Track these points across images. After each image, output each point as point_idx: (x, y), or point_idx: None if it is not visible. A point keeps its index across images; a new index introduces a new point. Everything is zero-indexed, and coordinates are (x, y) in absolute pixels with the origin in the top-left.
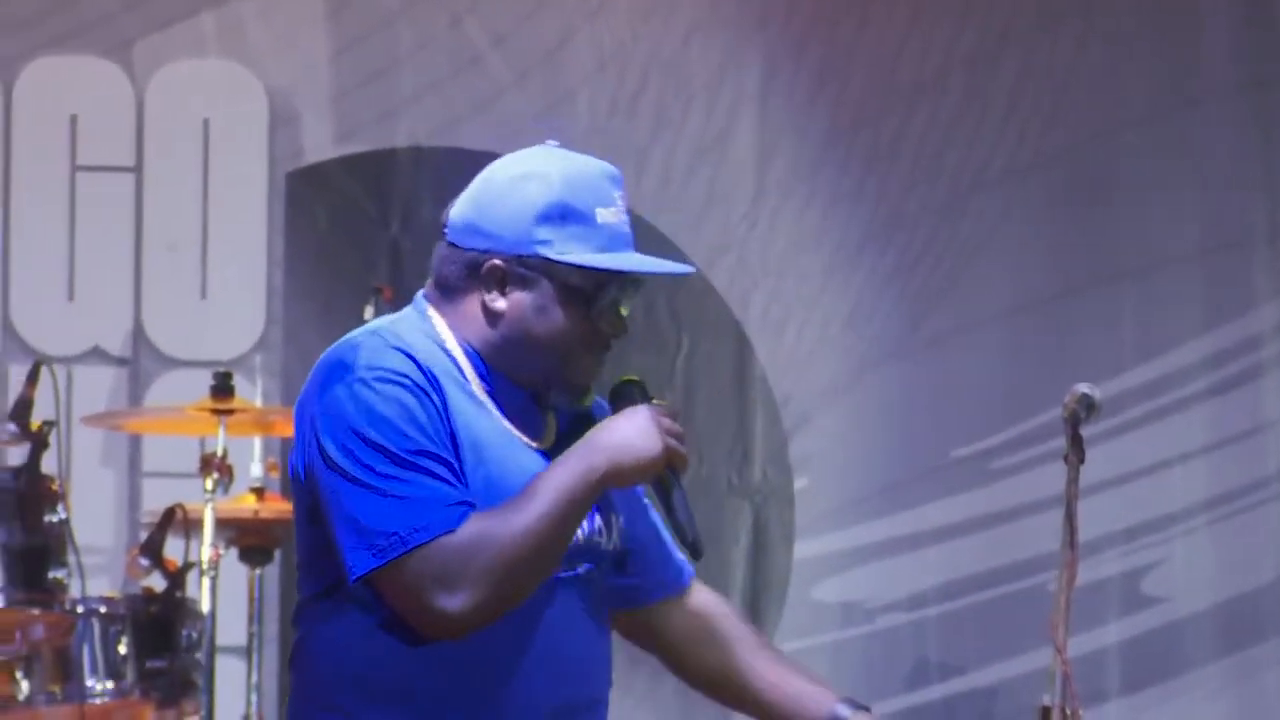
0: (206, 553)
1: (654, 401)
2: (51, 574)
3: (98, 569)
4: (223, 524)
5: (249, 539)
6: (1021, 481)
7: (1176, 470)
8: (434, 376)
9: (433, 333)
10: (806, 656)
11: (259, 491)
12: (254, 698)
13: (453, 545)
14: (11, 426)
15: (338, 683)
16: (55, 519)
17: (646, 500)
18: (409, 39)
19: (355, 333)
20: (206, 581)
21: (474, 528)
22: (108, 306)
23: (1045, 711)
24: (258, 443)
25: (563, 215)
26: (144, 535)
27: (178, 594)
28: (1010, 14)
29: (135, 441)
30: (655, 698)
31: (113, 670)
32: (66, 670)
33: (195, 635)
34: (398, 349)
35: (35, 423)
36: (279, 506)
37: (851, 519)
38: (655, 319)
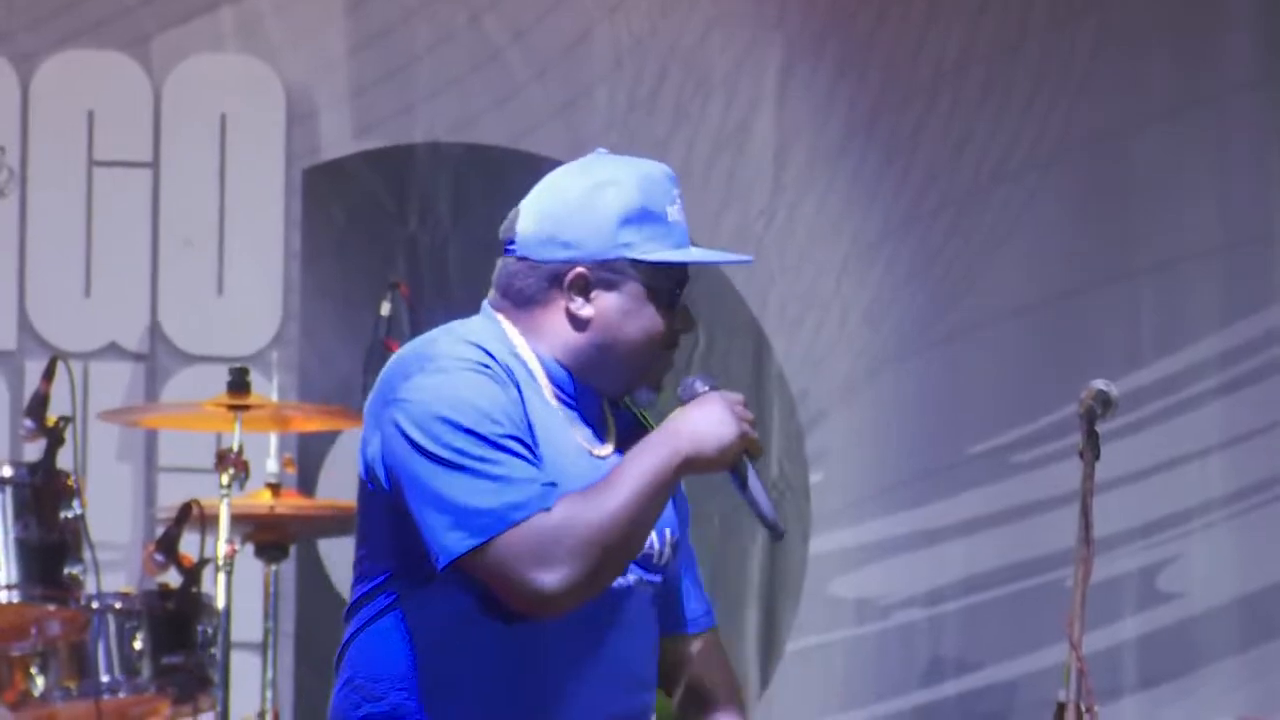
0: (222, 548)
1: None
2: (67, 569)
3: (113, 564)
4: (238, 520)
5: (265, 535)
6: (1038, 477)
7: (1194, 466)
8: (510, 371)
9: (505, 339)
10: (822, 652)
11: (275, 487)
12: (269, 694)
13: (548, 523)
14: (28, 422)
15: (392, 678)
16: (71, 514)
17: (682, 537)
18: (427, 35)
19: (428, 333)
20: (222, 577)
21: (567, 507)
22: (124, 302)
23: (1061, 707)
24: (274, 439)
25: (641, 218)
26: (160, 531)
27: (193, 590)
28: (1029, 7)
29: (151, 437)
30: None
31: (128, 666)
32: (82, 666)
33: (211, 631)
34: (474, 344)
35: (52, 418)
36: (295, 502)
37: (867, 514)
38: None
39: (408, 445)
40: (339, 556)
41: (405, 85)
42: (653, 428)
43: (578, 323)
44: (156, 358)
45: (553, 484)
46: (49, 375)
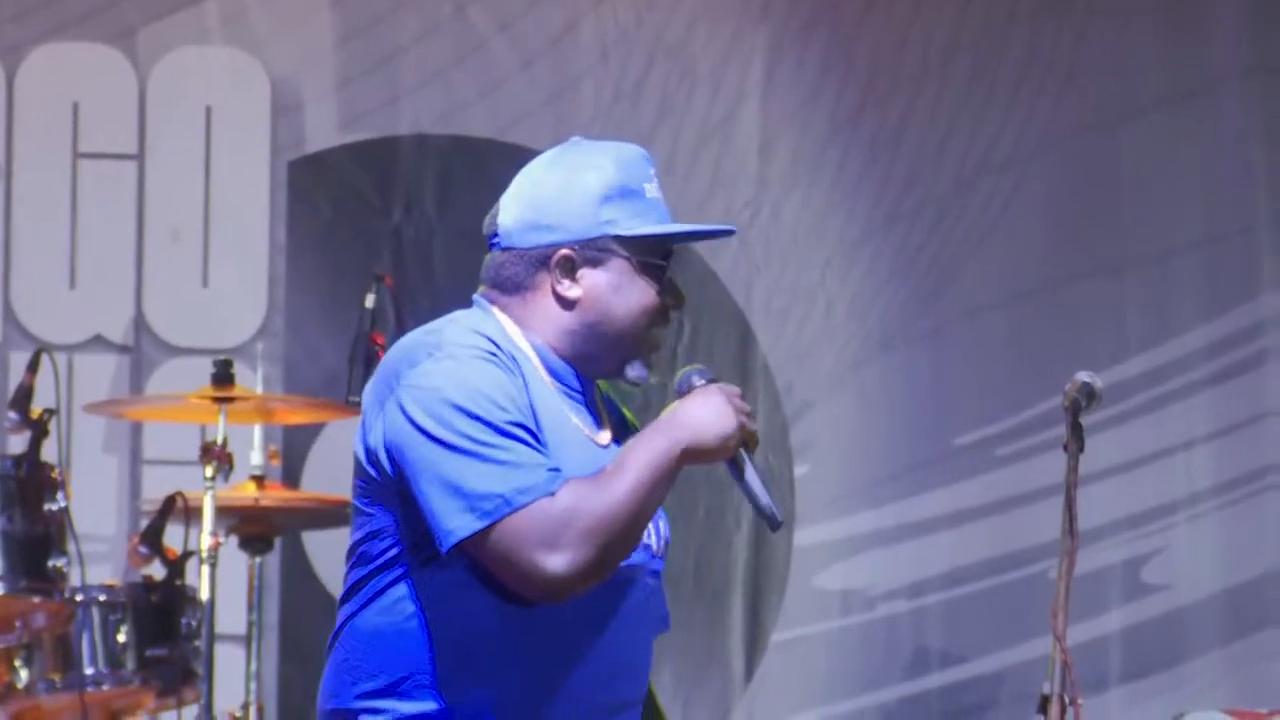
0: (206, 541)
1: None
2: (52, 562)
3: (98, 557)
4: (223, 512)
5: (249, 527)
6: (1023, 469)
7: (1179, 458)
8: (514, 358)
9: (500, 329)
10: (807, 644)
11: (259, 479)
12: (253, 686)
13: (555, 508)
14: (13, 414)
15: (389, 658)
16: (55, 507)
17: None
18: (413, 26)
19: (431, 323)
20: (206, 570)
21: (572, 492)
22: (109, 294)
23: (1045, 699)
24: (258, 431)
25: (622, 195)
26: (144, 523)
27: (178, 582)
28: (1014, 1)
29: (136, 429)
30: (657, 685)
31: (112, 658)
32: (67, 658)
33: (195, 623)
34: (480, 333)
35: (36, 410)
36: (279, 495)
37: (852, 506)
38: None
39: (415, 430)
40: (324, 549)
41: (391, 77)
42: (635, 421)
43: (566, 303)
44: (141, 350)
45: (558, 470)
46: (33, 367)
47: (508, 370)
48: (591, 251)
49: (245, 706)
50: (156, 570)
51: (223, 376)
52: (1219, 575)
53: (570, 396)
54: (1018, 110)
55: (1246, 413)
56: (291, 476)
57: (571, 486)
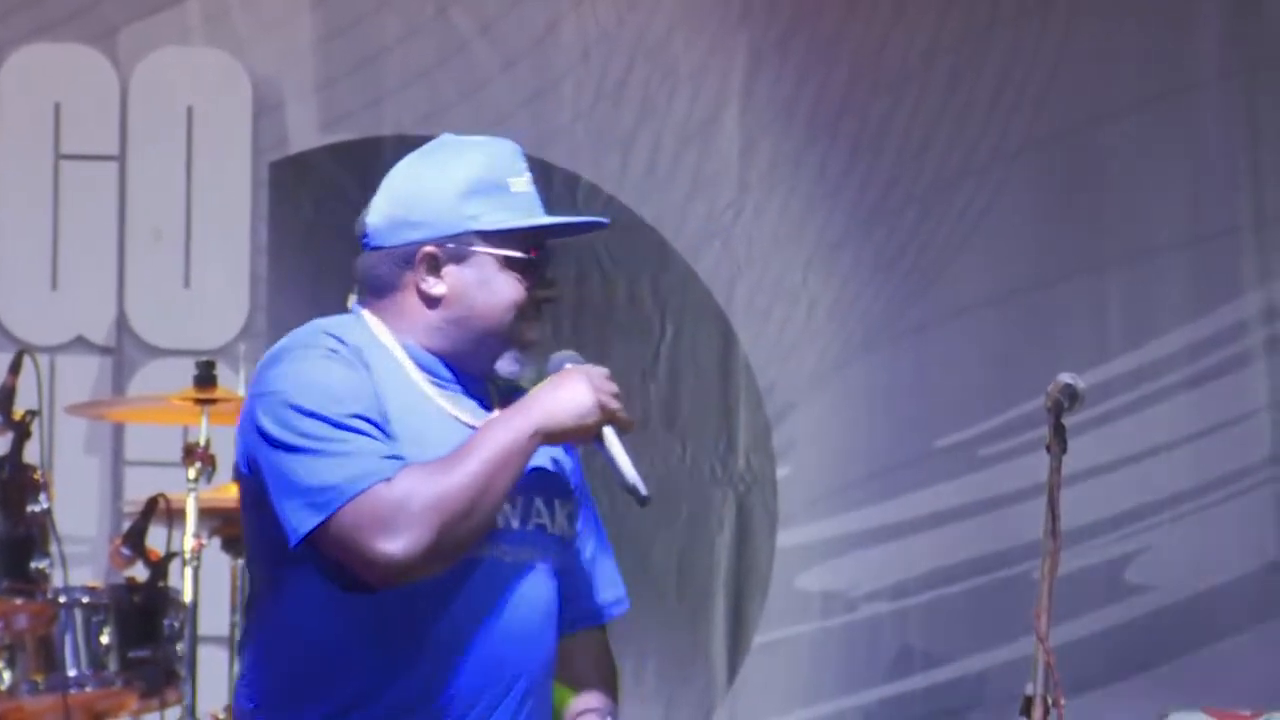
0: (189, 543)
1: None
2: (34, 564)
3: (81, 558)
4: (205, 514)
5: (232, 529)
6: (1005, 470)
7: (1161, 459)
8: (365, 360)
9: (368, 333)
10: (789, 645)
11: None
12: None
13: (390, 492)
14: None
15: (274, 671)
16: (38, 508)
17: (598, 525)
18: (395, 27)
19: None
20: (189, 571)
21: (409, 476)
22: (91, 295)
23: (1028, 700)
24: None
25: (484, 189)
26: (126, 524)
27: (161, 584)
28: (996, 2)
29: (118, 431)
30: (640, 688)
31: (95, 660)
32: (49, 660)
33: (178, 625)
34: (327, 332)
35: (18, 412)
36: None
37: (835, 507)
38: (639, 306)
39: (261, 438)
40: None
41: (372, 78)
42: None
43: (430, 301)
44: (123, 351)
45: (398, 457)
46: (15, 369)
47: (348, 363)
48: (455, 248)
49: (228, 709)
50: (139, 572)
51: (205, 378)
52: (1201, 576)
53: (445, 386)
54: (999, 111)
55: (1229, 413)
56: None
57: (410, 470)
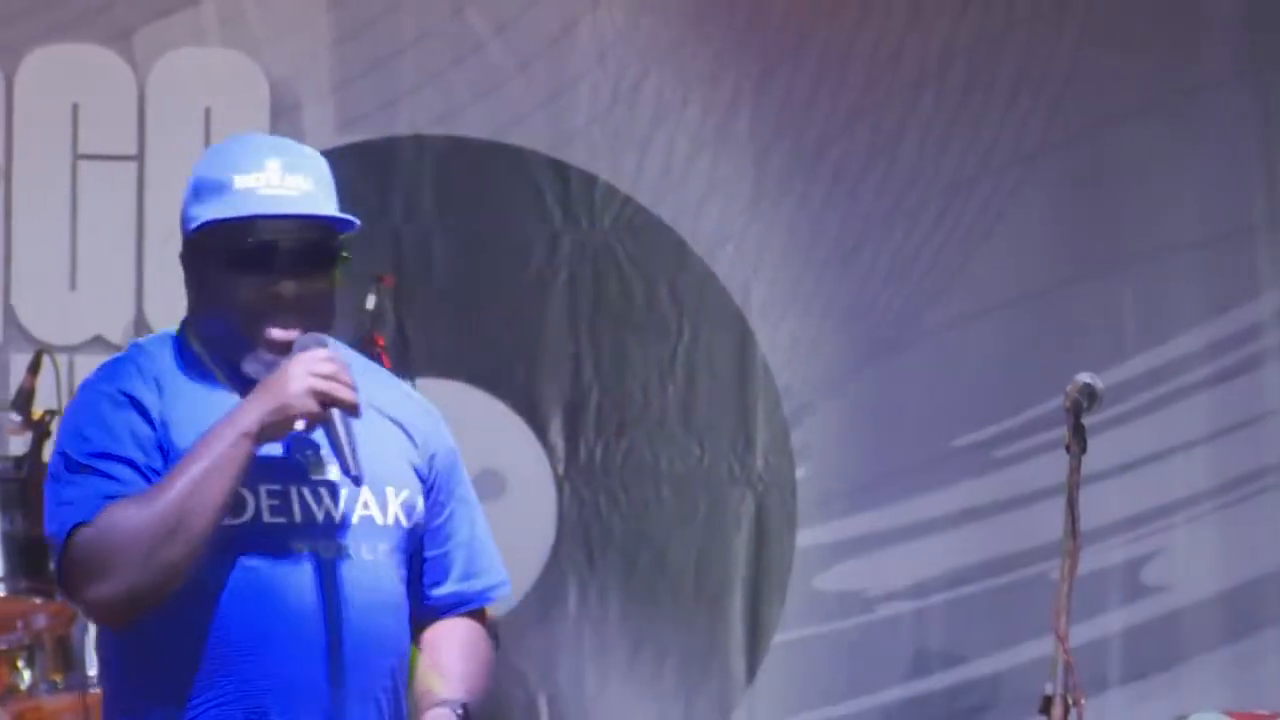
0: None
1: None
2: (53, 564)
3: None
4: None
5: None
6: (1023, 470)
7: (1179, 458)
8: (152, 375)
9: (174, 338)
10: (808, 646)
11: None
12: None
13: (89, 535)
14: (14, 416)
15: (111, 675)
16: None
17: (470, 507)
18: (411, 27)
19: None
20: None
21: (109, 514)
22: (110, 296)
23: (1047, 700)
24: None
25: (199, 190)
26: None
27: None
28: (1011, 4)
29: None
30: (659, 686)
31: None
32: (68, 660)
33: None
34: (121, 357)
35: (37, 412)
36: None
37: (853, 508)
38: (657, 307)
39: None
40: None
41: (389, 78)
42: None
43: (189, 302)
44: None
45: (111, 496)
46: (34, 369)
47: (117, 399)
48: (189, 251)
49: None
50: None
51: None
52: (1220, 576)
53: (248, 381)
54: (1015, 112)
55: (1246, 413)
56: None
57: (114, 507)
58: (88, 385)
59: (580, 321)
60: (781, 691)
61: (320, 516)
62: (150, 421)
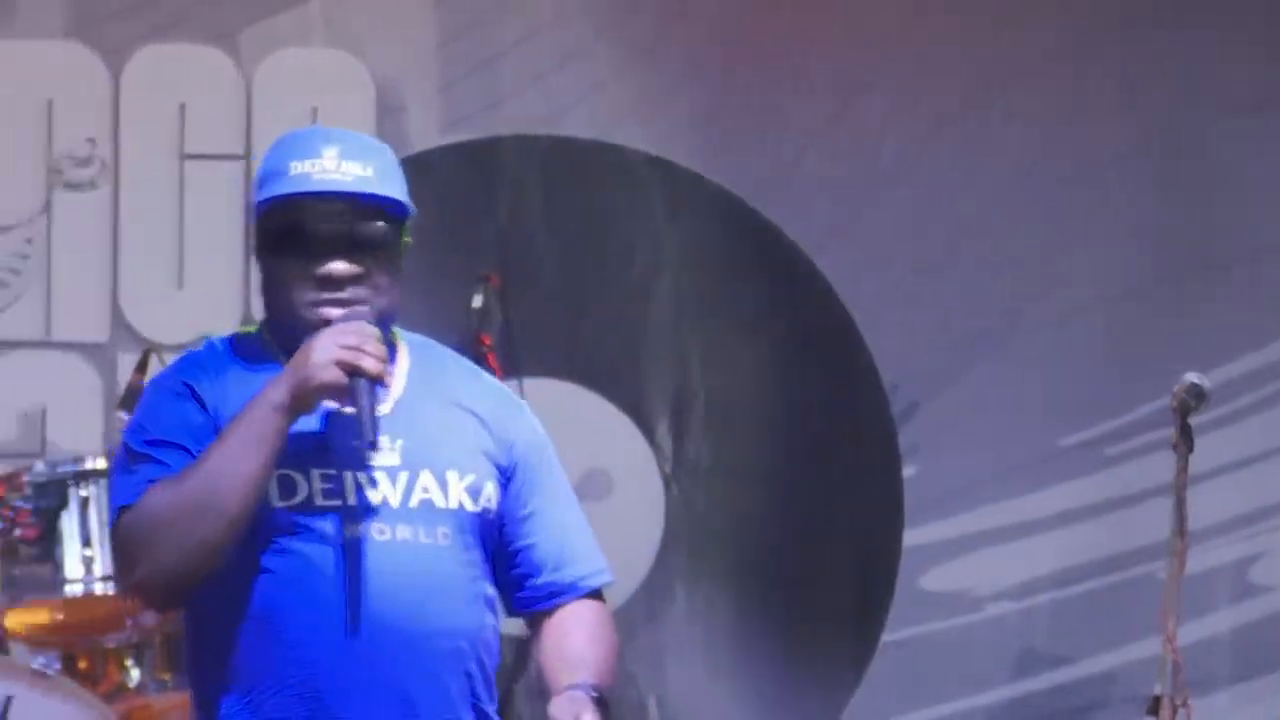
0: None
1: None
2: None
3: None
4: None
5: None
6: (1131, 469)
7: None
8: (216, 365)
9: (252, 335)
10: (915, 645)
11: None
12: None
13: (129, 519)
14: (122, 414)
15: (188, 668)
16: None
17: (561, 498)
18: (515, 28)
19: None
20: None
21: (148, 496)
22: (216, 294)
23: (1156, 700)
24: None
25: (261, 179)
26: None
27: None
28: (1112, 6)
29: None
30: (767, 687)
31: None
32: (177, 658)
33: None
34: (190, 354)
35: None
36: None
37: (960, 507)
38: (762, 307)
39: None
40: None
41: (493, 79)
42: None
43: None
44: None
45: (154, 480)
46: (141, 367)
47: (172, 393)
48: (257, 239)
49: None
50: None
51: None
52: None
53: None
54: (1118, 109)
55: None
56: None
57: (154, 489)
58: (155, 379)
59: (685, 321)
60: (889, 692)
61: (376, 500)
62: (205, 409)
